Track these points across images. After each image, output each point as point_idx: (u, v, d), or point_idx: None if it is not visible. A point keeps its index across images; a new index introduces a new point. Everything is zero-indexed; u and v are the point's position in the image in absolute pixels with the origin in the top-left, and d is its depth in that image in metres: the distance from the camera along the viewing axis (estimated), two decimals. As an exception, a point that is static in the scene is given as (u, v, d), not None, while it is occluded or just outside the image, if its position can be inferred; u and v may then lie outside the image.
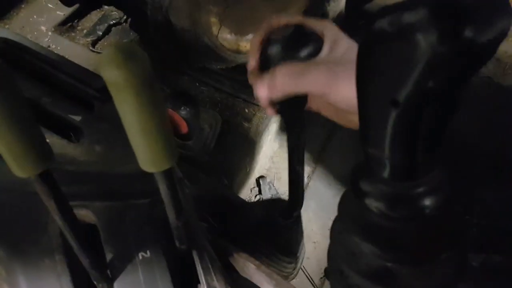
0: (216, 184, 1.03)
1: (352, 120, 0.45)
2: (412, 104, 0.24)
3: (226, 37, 0.72)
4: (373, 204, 0.31)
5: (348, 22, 1.33)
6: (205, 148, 1.06)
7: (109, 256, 0.45)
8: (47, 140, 0.64)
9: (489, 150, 0.41)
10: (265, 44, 0.43)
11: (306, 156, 1.43)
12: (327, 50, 0.42)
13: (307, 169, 1.43)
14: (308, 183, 1.38)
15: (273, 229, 0.63)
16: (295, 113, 0.48)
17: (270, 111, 0.47)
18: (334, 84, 0.39)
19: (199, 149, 1.04)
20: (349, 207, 0.35)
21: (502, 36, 0.22)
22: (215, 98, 1.14)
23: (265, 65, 0.43)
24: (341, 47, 0.42)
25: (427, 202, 0.30)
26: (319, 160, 1.41)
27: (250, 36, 0.73)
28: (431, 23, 0.21)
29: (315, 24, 0.44)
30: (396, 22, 0.23)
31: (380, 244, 0.32)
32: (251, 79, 0.45)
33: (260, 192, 1.36)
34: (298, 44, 0.42)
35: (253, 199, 1.35)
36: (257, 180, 1.37)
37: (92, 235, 0.48)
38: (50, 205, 0.34)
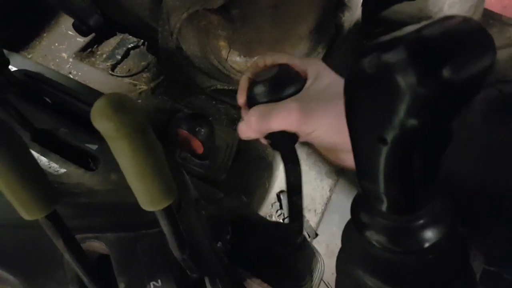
0: (234, 202, 1.03)
1: (341, 158, 0.46)
2: (399, 142, 0.24)
3: (235, 59, 0.73)
4: (374, 237, 0.31)
5: (365, 31, 1.32)
6: (223, 166, 1.07)
7: (121, 286, 0.46)
8: (65, 170, 0.66)
9: (492, 191, 0.40)
10: (251, 83, 0.45)
11: (328, 169, 1.42)
12: (307, 87, 0.43)
13: (329, 182, 1.42)
14: (330, 197, 1.37)
15: (283, 253, 0.62)
16: (286, 148, 0.49)
17: (263, 141, 0.49)
18: (305, 122, 0.40)
19: (216, 167, 1.05)
20: (352, 239, 0.35)
21: (484, 73, 0.22)
22: (232, 116, 1.15)
23: (252, 103, 0.46)
24: (323, 82, 0.43)
25: (428, 234, 0.29)
26: (341, 173, 1.40)
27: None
28: (409, 64, 0.21)
29: (299, 63, 0.45)
30: (376, 63, 0.23)
31: (383, 278, 0.32)
32: (242, 114, 0.47)
33: (281, 207, 1.35)
34: (281, 85, 0.44)
35: (275, 214, 1.35)
36: (278, 195, 1.37)
37: (106, 266, 0.49)
38: (58, 243, 0.35)
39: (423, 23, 0.23)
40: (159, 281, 0.47)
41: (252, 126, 0.44)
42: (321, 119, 0.40)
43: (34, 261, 0.47)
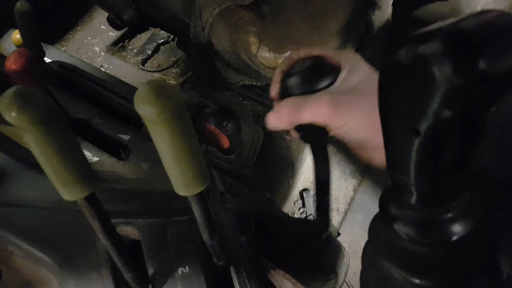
0: (258, 198, 1.04)
1: (370, 155, 0.46)
2: (432, 133, 0.25)
3: (265, 55, 0.74)
4: (402, 229, 0.31)
5: (396, 30, 1.31)
6: (248, 162, 1.08)
7: (150, 271, 0.48)
8: (98, 159, 0.68)
9: None
10: (285, 75, 0.46)
11: (353, 169, 1.41)
12: (340, 80, 0.43)
13: (353, 182, 1.41)
14: (354, 197, 1.36)
15: (308, 248, 0.63)
16: (317, 142, 0.50)
17: (294, 134, 0.49)
18: (336, 115, 0.41)
19: (241, 163, 1.06)
20: (379, 231, 0.35)
21: None
22: (258, 112, 1.16)
23: (284, 95, 0.46)
24: (356, 76, 0.43)
25: (456, 228, 0.29)
26: (366, 172, 1.39)
27: (288, 54, 0.74)
28: (445, 56, 0.22)
29: (333, 55, 0.45)
30: (412, 54, 0.23)
31: (410, 269, 0.32)
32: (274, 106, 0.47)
33: (303, 205, 1.35)
34: (314, 77, 0.44)
35: (297, 212, 1.35)
36: (301, 193, 1.37)
37: (136, 250, 0.51)
38: (95, 225, 0.37)
39: (460, 16, 0.23)
40: (187, 267, 0.48)
41: (283, 117, 0.44)
42: (352, 113, 0.40)
43: (69, 243, 0.49)
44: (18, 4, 0.68)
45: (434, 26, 0.23)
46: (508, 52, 0.22)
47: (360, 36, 0.98)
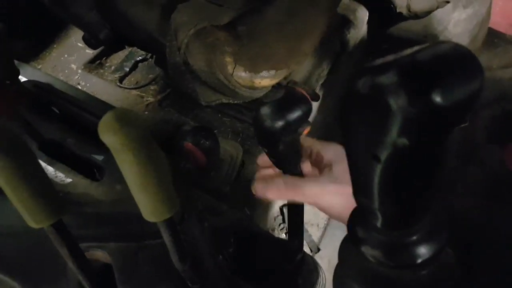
0: (238, 215, 1.04)
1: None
2: (392, 160, 0.25)
3: (241, 75, 0.74)
4: (369, 252, 0.32)
5: (371, 48, 1.33)
6: (227, 179, 1.08)
7: (123, 296, 0.47)
8: (71, 180, 0.67)
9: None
10: (258, 104, 0.48)
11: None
12: (327, 171, 0.49)
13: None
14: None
15: (284, 269, 0.63)
16: (290, 168, 0.51)
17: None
18: (320, 199, 0.48)
19: (220, 180, 1.06)
20: (348, 254, 0.36)
21: (473, 97, 0.23)
22: (237, 129, 1.16)
23: (257, 124, 0.47)
24: (341, 166, 0.48)
25: (421, 250, 0.30)
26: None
27: (264, 73, 0.75)
28: (400, 86, 0.22)
29: (320, 147, 0.51)
30: (369, 84, 0.24)
31: (377, 291, 0.32)
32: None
33: (283, 220, 1.35)
34: (286, 108, 0.46)
35: (277, 228, 1.35)
36: (281, 209, 1.37)
37: (108, 275, 0.50)
38: (63, 251, 0.36)
39: (416, 48, 0.24)
40: (160, 291, 0.47)
41: (278, 193, 0.49)
42: (335, 199, 0.47)
43: (38, 269, 0.48)
44: (-11, 24, 0.67)
45: (390, 58, 0.24)
46: (461, 84, 0.23)
47: (335, 54, 1.00)
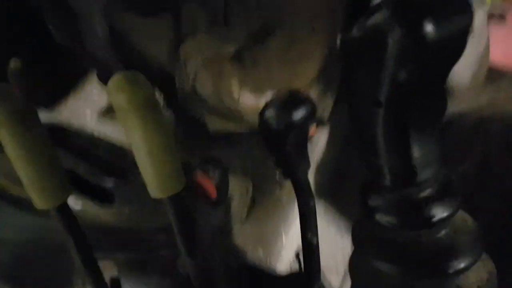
0: (248, 255, 1.01)
1: None
2: (394, 101, 0.25)
3: (246, 99, 0.76)
4: (384, 218, 0.31)
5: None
6: (236, 216, 1.06)
7: (130, 306, 0.45)
8: (80, 208, 0.67)
9: None
10: (263, 108, 0.49)
11: (349, 225, 1.38)
12: None
13: (350, 239, 1.37)
14: (348, 252, 1.32)
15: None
16: (298, 177, 0.49)
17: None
18: None
19: (229, 217, 1.04)
20: (362, 232, 0.35)
21: (464, 31, 0.23)
22: (246, 164, 1.16)
23: (263, 126, 0.47)
24: None
25: (435, 209, 0.29)
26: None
27: (269, 96, 0.77)
28: (394, 20, 0.23)
29: None
30: (364, 25, 0.25)
31: (396, 260, 0.31)
32: None
33: (299, 267, 1.30)
34: (290, 109, 0.45)
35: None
36: (297, 255, 1.32)
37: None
38: (69, 240, 0.36)
39: None
40: (167, 301, 0.46)
41: None
42: None
43: (43, 279, 0.47)
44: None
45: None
46: (452, 17, 0.23)
47: (339, 82, 1.02)
